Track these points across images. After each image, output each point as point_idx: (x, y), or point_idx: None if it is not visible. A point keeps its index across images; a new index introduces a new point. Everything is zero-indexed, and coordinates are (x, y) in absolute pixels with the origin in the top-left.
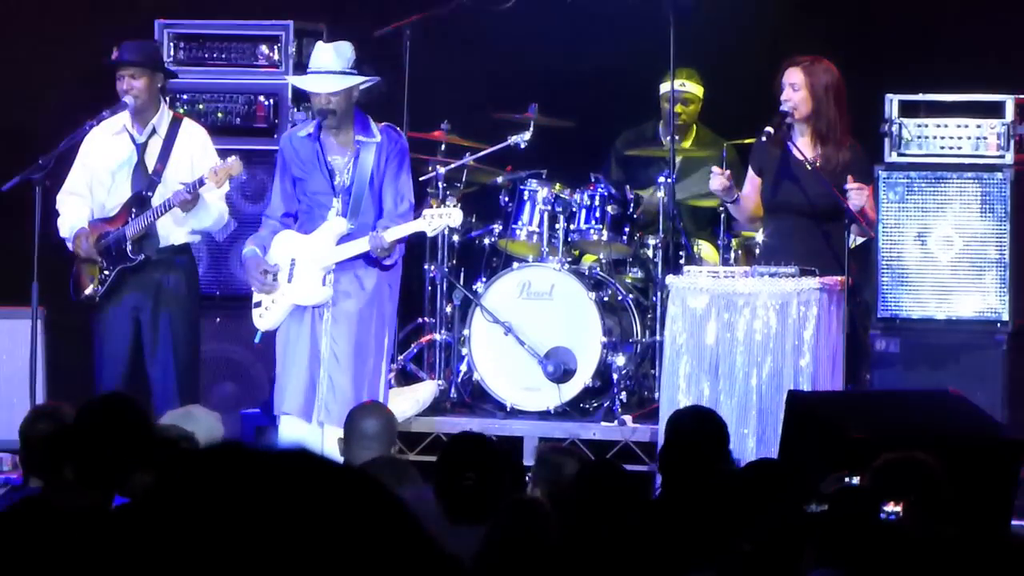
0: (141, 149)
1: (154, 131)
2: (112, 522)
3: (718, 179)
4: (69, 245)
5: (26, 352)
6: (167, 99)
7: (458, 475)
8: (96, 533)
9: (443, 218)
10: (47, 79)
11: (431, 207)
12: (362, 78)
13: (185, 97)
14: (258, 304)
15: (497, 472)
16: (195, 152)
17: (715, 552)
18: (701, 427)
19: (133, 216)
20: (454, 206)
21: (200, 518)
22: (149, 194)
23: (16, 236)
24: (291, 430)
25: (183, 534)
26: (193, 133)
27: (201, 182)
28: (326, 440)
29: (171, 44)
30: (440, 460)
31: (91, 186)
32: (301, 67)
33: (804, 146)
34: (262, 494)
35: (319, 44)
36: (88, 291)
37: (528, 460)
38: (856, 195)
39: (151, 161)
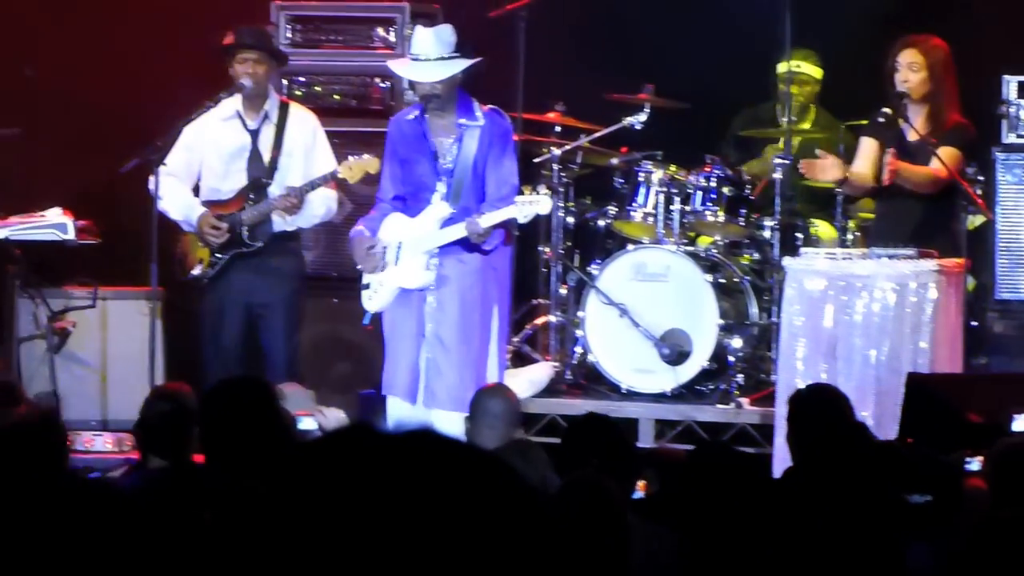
0: (255, 136)
1: (266, 117)
2: (246, 504)
3: (832, 171)
4: (184, 226)
5: (144, 333)
6: (282, 82)
7: (581, 459)
8: (229, 514)
9: (533, 205)
10: (161, 60)
11: (523, 193)
12: (463, 63)
13: (301, 79)
14: (367, 286)
15: (620, 456)
16: (307, 139)
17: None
18: (824, 401)
19: (250, 202)
20: (544, 193)
21: (331, 501)
22: (267, 181)
23: (134, 217)
24: (397, 412)
25: (316, 518)
26: (304, 119)
27: (328, 178)
28: (434, 422)
29: (287, 26)
30: (564, 442)
31: (196, 171)
32: None
33: (919, 124)
34: (391, 477)
35: (419, 29)
36: (196, 271)
37: (644, 442)
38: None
39: (265, 148)
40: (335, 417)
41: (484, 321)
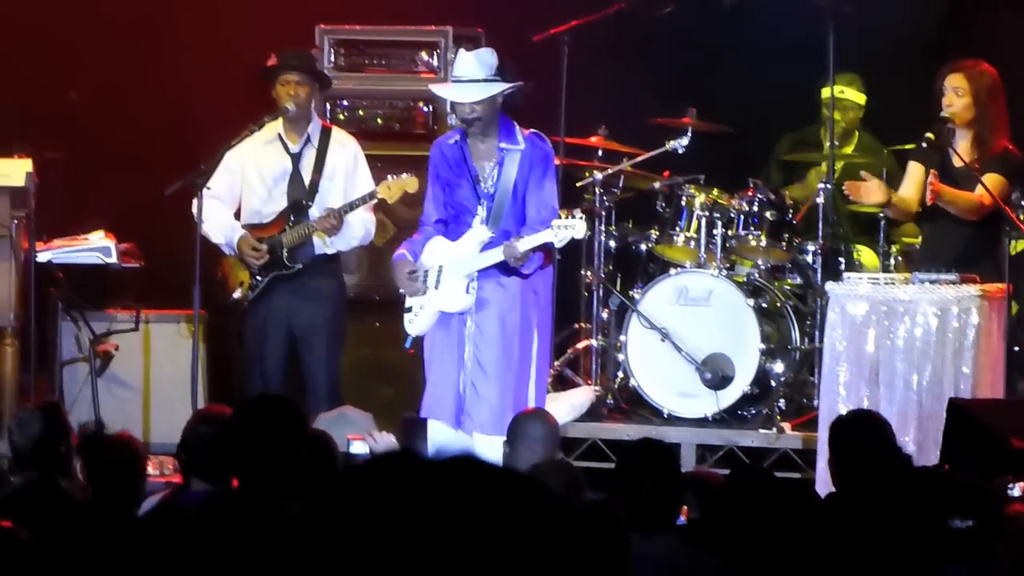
0: (296, 159)
1: (308, 140)
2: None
3: (876, 194)
4: (225, 250)
5: (187, 356)
6: (326, 105)
7: (635, 483)
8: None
9: (568, 229)
10: (206, 83)
11: (560, 217)
12: (503, 85)
13: (345, 103)
14: (409, 309)
15: (672, 482)
16: (348, 163)
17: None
18: (866, 427)
19: (291, 225)
20: (580, 217)
21: (373, 526)
22: (308, 203)
23: (176, 240)
24: (439, 436)
25: (358, 543)
26: (345, 143)
27: (367, 199)
28: (475, 446)
29: (331, 50)
30: (618, 466)
31: (237, 194)
32: None
33: (964, 150)
34: (433, 502)
35: (461, 52)
36: (236, 294)
37: (685, 467)
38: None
39: (307, 171)
40: (385, 442)
41: (524, 345)
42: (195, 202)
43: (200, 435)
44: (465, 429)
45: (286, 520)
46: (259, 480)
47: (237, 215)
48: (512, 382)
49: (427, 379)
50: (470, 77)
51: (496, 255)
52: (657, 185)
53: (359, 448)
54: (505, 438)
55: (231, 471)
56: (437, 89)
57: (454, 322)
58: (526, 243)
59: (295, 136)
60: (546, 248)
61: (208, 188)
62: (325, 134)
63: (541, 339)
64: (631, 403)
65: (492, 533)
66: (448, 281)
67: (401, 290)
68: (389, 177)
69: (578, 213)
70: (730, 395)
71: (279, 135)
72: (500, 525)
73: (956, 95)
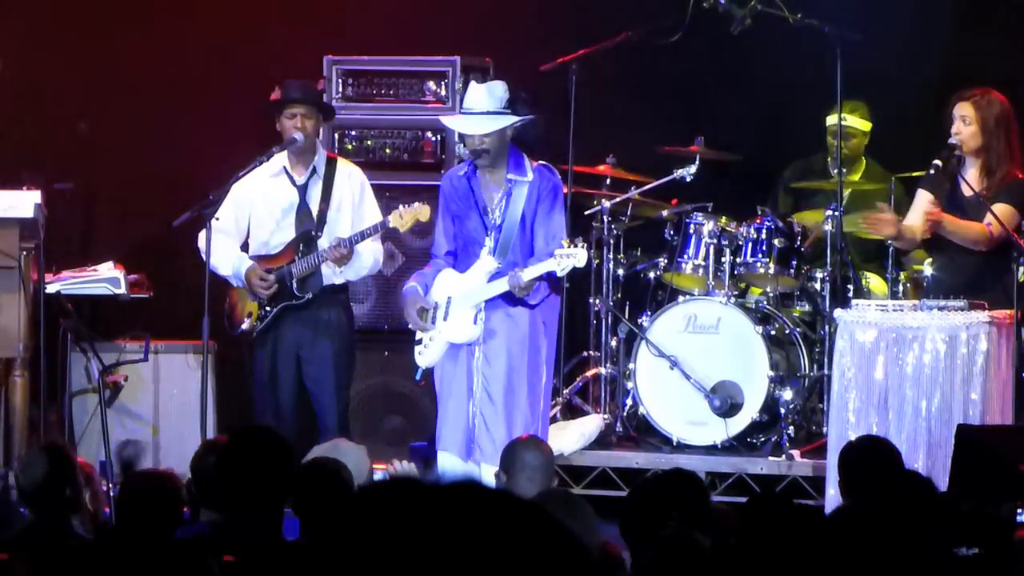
0: (303, 191)
1: (314, 172)
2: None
3: (888, 228)
4: (233, 281)
5: (196, 385)
6: (334, 136)
7: (662, 513)
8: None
9: (570, 258)
10: (214, 114)
11: (563, 247)
12: (514, 118)
13: (353, 133)
14: (419, 341)
15: (701, 515)
16: (355, 193)
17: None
18: (875, 454)
19: (299, 255)
20: (581, 246)
21: (377, 552)
22: (317, 234)
23: (185, 271)
24: (449, 466)
25: (361, 568)
26: (351, 173)
27: (377, 228)
28: (483, 477)
29: (339, 80)
30: (646, 495)
31: (244, 227)
32: None
33: (973, 179)
34: (436, 526)
35: (473, 84)
36: (245, 326)
37: None
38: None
39: (314, 203)
40: (408, 471)
41: (533, 374)
42: (201, 235)
43: (208, 465)
44: (475, 460)
45: (288, 546)
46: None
47: (244, 248)
48: (520, 412)
49: (438, 412)
50: (480, 109)
51: (501, 285)
52: (665, 213)
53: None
54: (500, 467)
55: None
56: (448, 121)
57: (463, 353)
58: (529, 273)
59: (301, 168)
60: (551, 278)
61: (217, 219)
62: (331, 165)
63: (547, 368)
64: (640, 431)
65: (497, 558)
66: (456, 312)
67: (409, 324)
68: (401, 206)
69: (580, 242)
70: (739, 422)
71: (284, 168)
72: (506, 550)
73: (964, 123)
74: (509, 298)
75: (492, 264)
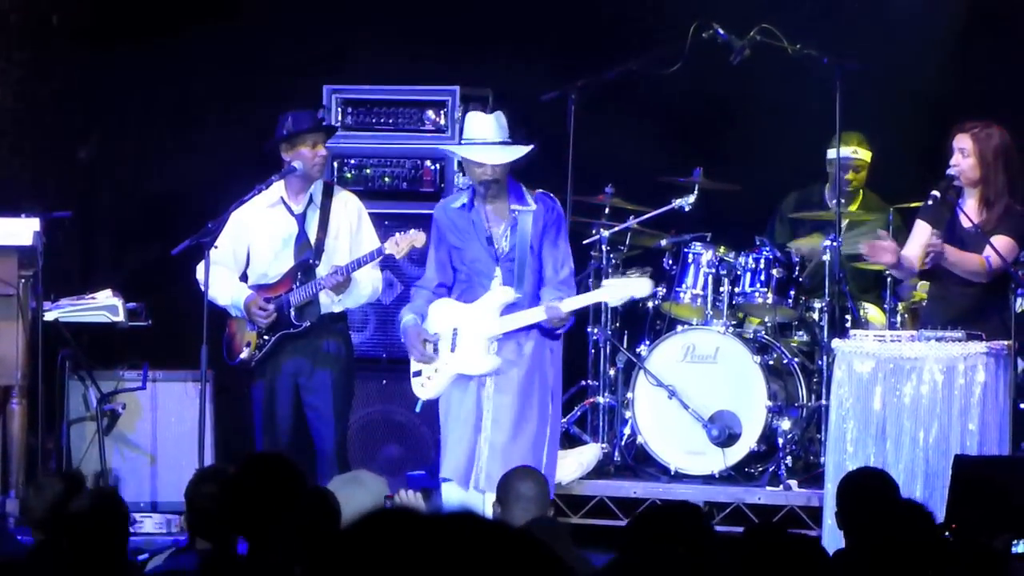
0: (301, 220)
1: (311, 200)
2: None
3: (887, 256)
4: (232, 311)
5: (195, 414)
6: (334, 164)
7: (667, 547)
8: None
9: (627, 288)
10: (213, 143)
11: (608, 276)
12: (525, 148)
13: (352, 161)
14: (418, 373)
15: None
16: (352, 221)
17: None
18: (872, 484)
19: (298, 284)
20: (643, 272)
21: None
22: (315, 262)
23: (184, 299)
24: (452, 495)
25: None
26: (347, 201)
27: (374, 255)
28: (486, 506)
29: (339, 109)
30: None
31: (242, 258)
32: None
33: (971, 210)
34: (431, 556)
35: (475, 115)
36: (244, 355)
37: None
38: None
39: (312, 231)
40: (413, 502)
41: (541, 404)
42: (200, 266)
43: (202, 494)
44: (479, 487)
45: None
46: (259, 539)
47: (243, 278)
48: (531, 442)
49: (442, 440)
50: (494, 139)
51: (527, 317)
52: (664, 243)
53: None
54: (495, 497)
55: (232, 531)
56: (461, 150)
57: (472, 383)
58: (571, 304)
59: (298, 197)
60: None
61: (216, 247)
62: (327, 193)
63: (554, 398)
64: (638, 460)
65: None
66: (467, 344)
67: (412, 356)
68: (397, 233)
69: (636, 272)
70: (737, 452)
71: (281, 198)
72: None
73: (962, 155)
74: (522, 328)
75: (510, 295)
